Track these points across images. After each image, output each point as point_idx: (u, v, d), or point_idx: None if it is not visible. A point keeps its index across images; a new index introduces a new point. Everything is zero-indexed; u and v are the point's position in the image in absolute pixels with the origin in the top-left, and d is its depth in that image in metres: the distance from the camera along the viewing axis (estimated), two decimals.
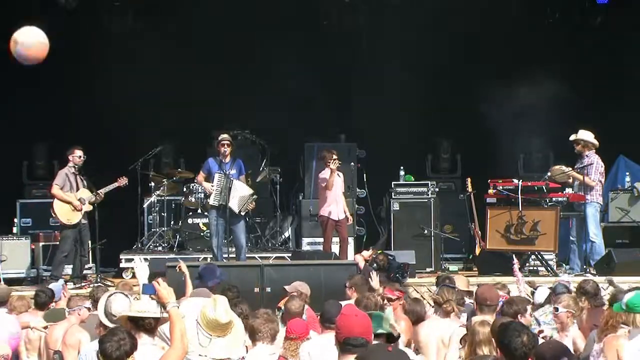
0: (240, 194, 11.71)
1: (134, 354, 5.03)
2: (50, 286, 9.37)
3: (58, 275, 11.52)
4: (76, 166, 11.73)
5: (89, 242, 12.07)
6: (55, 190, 11.67)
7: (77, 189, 11.73)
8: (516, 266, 9.72)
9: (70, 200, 11.61)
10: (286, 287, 8.63)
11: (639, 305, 6.21)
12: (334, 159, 12.11)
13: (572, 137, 11.98)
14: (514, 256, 10.22)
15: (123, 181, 12.08)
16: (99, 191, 11.77)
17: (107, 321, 6.29)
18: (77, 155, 11.70)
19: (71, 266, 11.96)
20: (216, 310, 5.25)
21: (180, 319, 5.12)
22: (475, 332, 5.98)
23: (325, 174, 12.19)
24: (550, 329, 7.23)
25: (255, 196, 11.99)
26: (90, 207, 11.75)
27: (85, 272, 12.35)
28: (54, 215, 11.86)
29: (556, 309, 7.23)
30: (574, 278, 10.30)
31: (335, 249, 12.32)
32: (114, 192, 12.08)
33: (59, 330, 7.73)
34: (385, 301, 7.82)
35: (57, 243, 12.19)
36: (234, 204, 11.65)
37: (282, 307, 7.80)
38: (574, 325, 7.15)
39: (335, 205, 12.24)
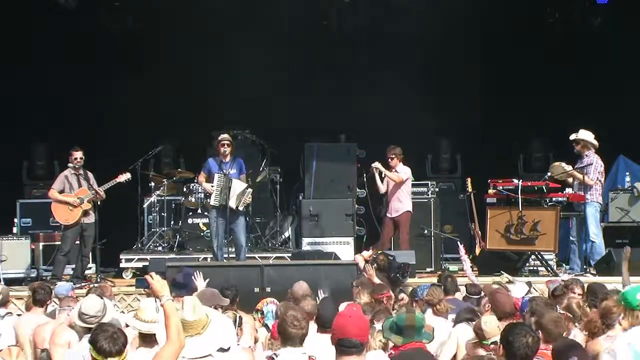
0: (237, 190, 11.70)
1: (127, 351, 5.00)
2: (59, 286, 9.38)
3: (58, 275, 11.57)
4: (76, 167, 11.74)
5: (93, 243, 12.02)
6: (51, 193, 11.84)
7: (79, 188, 11.75)
8: (462, 250, 9.72)
9: (67, 200, 11.66)
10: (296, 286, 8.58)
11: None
12: (392, 156, 12.42)
13: (572, 137, 11.98)
14: (458, 242, 10.11)
15: (124, 176, 11.90)
16: (99, 188, 11.75)
17: (79, 321, 6.39)
18: (74, 157, 11.74)
19: (72, 266, 11.97)
20: (183, 310, 5.27)
21: (175, 312, 5.05)
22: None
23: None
24: None
25: (250, 189, 11.91)
26: (90, 206, 11.75)
27: (85, 272, 12.35)
28: (55, 217, 12.00)
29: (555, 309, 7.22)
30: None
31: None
32: (114, 192, 12.04)
33: (47, 329, 7.71)
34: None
35: (57, 243, 12.27)
36: (232, 202, 11.66)
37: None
38: (574, 328, 7.12)
39: (388, 201, 12.45)
